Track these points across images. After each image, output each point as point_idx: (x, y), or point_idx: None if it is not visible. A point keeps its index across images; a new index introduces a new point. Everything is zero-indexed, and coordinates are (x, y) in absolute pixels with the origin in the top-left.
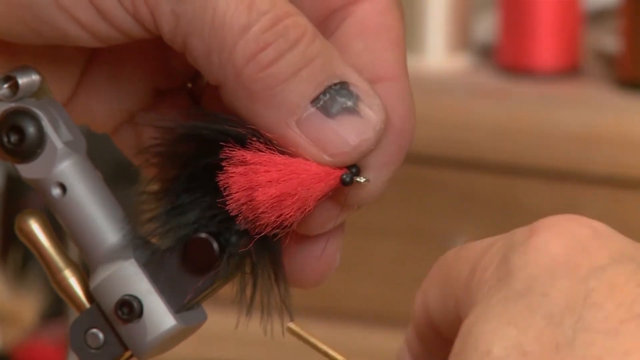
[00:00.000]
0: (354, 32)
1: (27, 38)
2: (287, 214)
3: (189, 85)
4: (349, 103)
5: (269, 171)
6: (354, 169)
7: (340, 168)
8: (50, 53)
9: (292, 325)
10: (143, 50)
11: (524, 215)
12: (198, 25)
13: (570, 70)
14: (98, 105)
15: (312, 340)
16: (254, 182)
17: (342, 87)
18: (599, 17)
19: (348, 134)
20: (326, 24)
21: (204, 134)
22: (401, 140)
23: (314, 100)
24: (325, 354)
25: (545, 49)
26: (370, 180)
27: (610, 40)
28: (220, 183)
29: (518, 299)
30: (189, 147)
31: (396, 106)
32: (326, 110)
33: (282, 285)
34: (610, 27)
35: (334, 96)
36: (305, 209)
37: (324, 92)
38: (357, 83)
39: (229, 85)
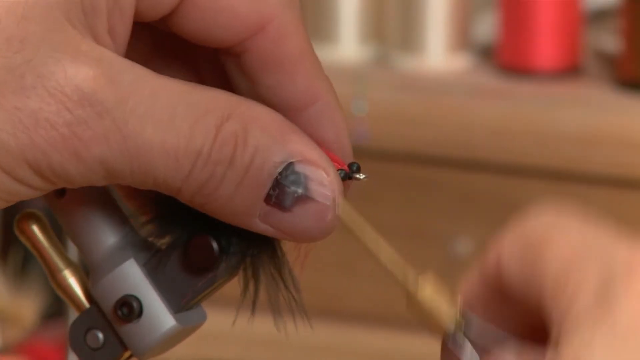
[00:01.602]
0: (260, 65)
1: None
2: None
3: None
4: (300, 191)
5: None
6: (355, 166)
7: (340, 163)
8: None
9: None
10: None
11: (524, 216)
12: (142, 184)
13: (570, 70)
14: None
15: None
16: None
17: (288, 170)
18: (599, 17)
19: (308, 222)
20: (235, 58)
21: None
22: (341, 165)
23: (267, 198)
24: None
25: (545, 49)
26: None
27: (610, 40)
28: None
29: (623, 345)
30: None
31: (324, 132)
32: (281, 205)
33: (290, 283)
34: (610, 27)
35: (283, 188)
36: None
37: (272, 187)
38: (301, 157)
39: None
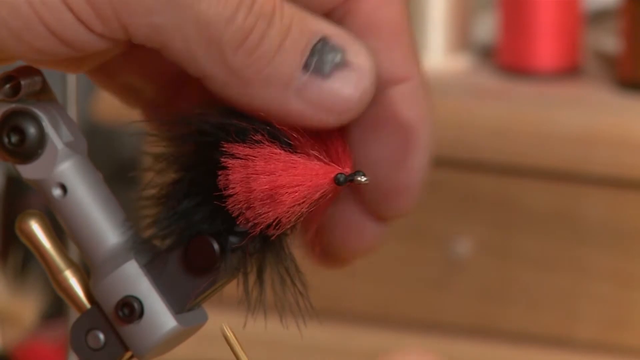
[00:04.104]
0: (355, 32)
1: None
2: (283, 207)
3: None
4: (338, 58)
5: (268, 163)
6: (359, 174)
7: (339, 167)
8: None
9: (225, 328)
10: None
11: (524, 216)
12: (181, 32)
13: (570, 70)
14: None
15: (237, 349)
16: (251, 172)
17: (325, 43)
18: (599, 17)
19: (348, 89)
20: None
21: (204, 131)
22: (419, 145)
23: (305, 66)
24: None
25: (545, 49)
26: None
27: (610, 41)
28: (221, 181)
29: None
30: (188, 148)
31: (409, 112)
32: (320, 72)
33: (298, 282)
34: (610, 27)
35: (321, 56)
36: (303, 204)
37: (311, 54)
38: (336, 33)
39: (218, 77)
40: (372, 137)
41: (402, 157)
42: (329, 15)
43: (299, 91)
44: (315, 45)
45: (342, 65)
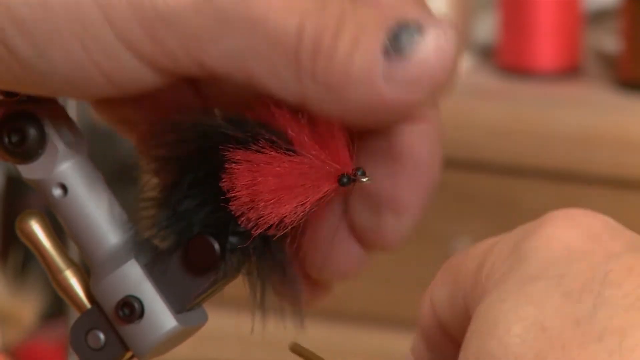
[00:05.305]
0: None
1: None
2: (288, 208)
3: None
4: (415, 35)
5: (271, 164)
6: (360, 171)
7: (342, 168)
8: None
9: (296, 343)
10: None
11: (524, 216)
12: (256, 53)
13: (570, 70)
14: None
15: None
16: (257, 175)
17: (400, 24)
18: (599, 17)
19: (430, 61)
20: None
21: (206, 135)
22: (425, 183)
23: (385, 52)
24: None
25: (545, 49)
26: (392, 224)
27: (610, 41)
28: (224, 183)
29: (534, 281)
30: (189, 150)
31: (423, 148)
32: (400, 53)
33: (292, 285)
34: (610, 27)
35: (398, 37)
36: (305, 205)
37: (388, 39)
38: (409, 12)
39: (307, 93)
40: (380, 167)
41: (407, 190)
42: None
43: (386, 79)
44: (390, 29)
45: (420, 41)
